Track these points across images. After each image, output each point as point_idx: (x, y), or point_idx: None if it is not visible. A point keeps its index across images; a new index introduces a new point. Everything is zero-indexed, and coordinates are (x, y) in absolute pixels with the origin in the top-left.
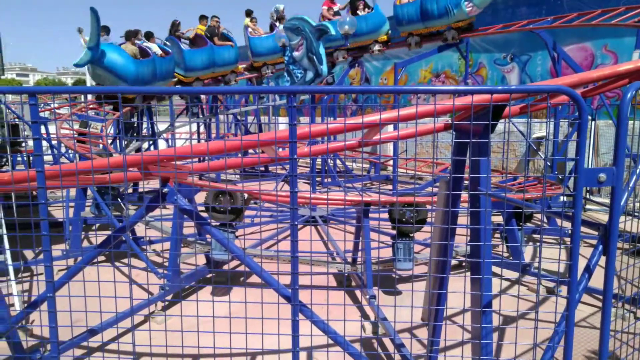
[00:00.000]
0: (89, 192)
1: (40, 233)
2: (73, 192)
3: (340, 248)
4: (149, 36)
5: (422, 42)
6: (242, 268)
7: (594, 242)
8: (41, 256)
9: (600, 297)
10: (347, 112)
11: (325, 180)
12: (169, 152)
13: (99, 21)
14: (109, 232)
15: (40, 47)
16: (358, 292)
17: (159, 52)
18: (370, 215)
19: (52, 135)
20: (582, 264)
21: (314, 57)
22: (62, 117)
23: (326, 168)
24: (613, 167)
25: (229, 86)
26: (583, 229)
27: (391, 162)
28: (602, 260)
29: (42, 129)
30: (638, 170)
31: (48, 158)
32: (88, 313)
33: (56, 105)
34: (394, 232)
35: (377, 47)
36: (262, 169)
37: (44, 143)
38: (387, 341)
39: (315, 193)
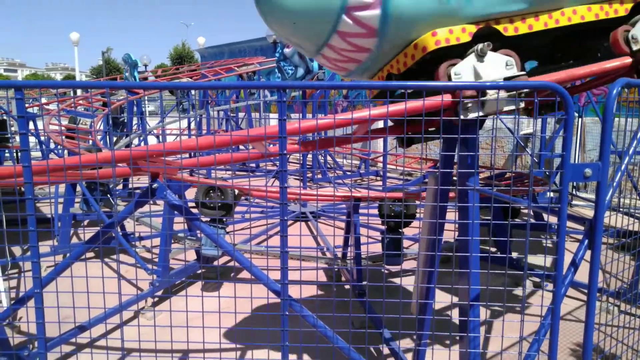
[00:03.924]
0: (78, 188)
1: (28, 229)
2: (62, 188)
3: (330, 243)
4: None
5: None
6: (232, 264)
7: (580, 237)
8: (29, 253)
9: (586, 290)
10: (338, 109)
11: (316, 176)
12: (158, 148)
13: None
14: (98, 228)
15: (30, 43)
16: (347, 287)
17: None
18: (360, 211)
19: (40, 131)
20: (568, 258)
21: None
22: (51, 113)
23: (317, 164)
24: (599, 163)
25: (221, 81)
26: (570, 224)
27: (381, 159)
28: (588, 255)
29: (31, 125)
30: (623, 167)
31: (37, 154)
32: (77, 309)
33: (45, 100)
34: (384, 227)
35: None
36: (253, 165)
37: (33, 139)
38: (376, 335)
39: (305, 189)
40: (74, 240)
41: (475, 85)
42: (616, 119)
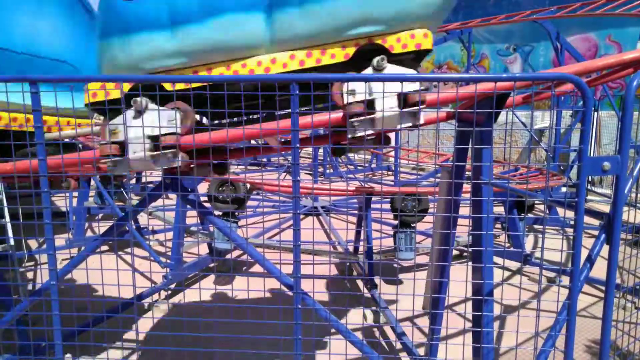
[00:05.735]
0: (92, 182)
1: (43, 222)
2: None
3: (342, 238)
4: None
5: None
6: (244, 257)
7: (595, 232)
8: (45, 245)
9: (600, 287)
10: None
11: (327, 171)
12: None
13: None
14: (112, 222)
15: None
16: (360, 281)
17: None
18: (372, 205)
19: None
20: (583, 254)
21: None
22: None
23: (328, 159)
24: (617, 156)
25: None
26: (584, 219)
27: (393, 153)
28: (604, 251)
29: None
30: None
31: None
32: (92, 301)
33: None
34: (396, 222)
35: None
36: (265, 160)
37: None
38: (388, 330)
39: (317, 183)
40: (89, 233)
41: (474, 78)
42: (634, 113)
